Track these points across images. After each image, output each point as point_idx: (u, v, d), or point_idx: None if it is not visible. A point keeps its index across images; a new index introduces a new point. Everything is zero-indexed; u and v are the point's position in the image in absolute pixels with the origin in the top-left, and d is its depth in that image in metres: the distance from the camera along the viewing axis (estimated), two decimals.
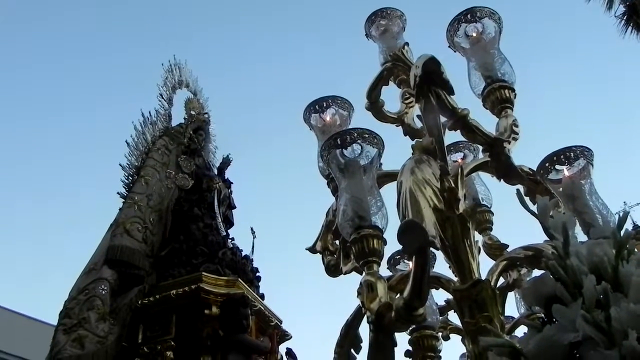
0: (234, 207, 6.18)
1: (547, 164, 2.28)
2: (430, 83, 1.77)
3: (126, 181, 5.76)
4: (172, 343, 4.30)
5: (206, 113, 7.03)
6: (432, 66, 1.74)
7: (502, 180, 2.04)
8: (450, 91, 1.76)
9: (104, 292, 4.57)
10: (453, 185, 1.82)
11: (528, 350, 1.30)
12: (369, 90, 2.61)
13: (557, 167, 2.31)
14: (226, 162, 6.58)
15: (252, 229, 5.78)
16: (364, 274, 1.75)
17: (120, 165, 5.75)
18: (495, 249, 2.76)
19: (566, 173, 2.30)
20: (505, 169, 1.77)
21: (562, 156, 2.24)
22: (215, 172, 6.47)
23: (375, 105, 2.63)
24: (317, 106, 2.57)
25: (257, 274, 5.37)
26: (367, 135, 2.12)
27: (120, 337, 4.37)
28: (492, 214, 3.02)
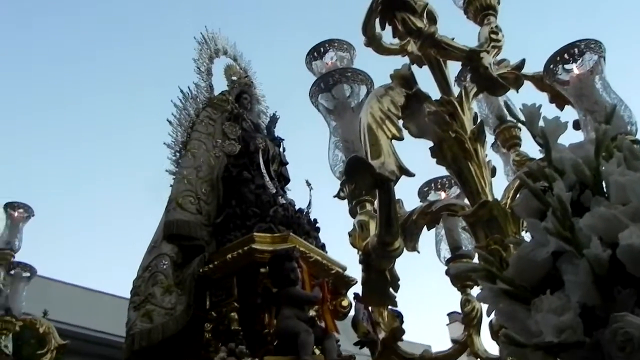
0: (287, 163, 6.20)
1: (551, 66, 2.13)
2: (393, 7, 1.67)
3: (174, 158, 5.90)
4: (236, 304, 4.45)
5: (247, 76, 6.98)
6: None
7: (485, 92, 1.92)
8: (413, 11, 1.66)
9: (165, 267, 4.76)
10: (443, 108, 1.74)
11: (507, 271, 1.24)
12: (363, 25, 2.50)
13: (566, 66, 2.16)
14: (273, 120, 6.55)
15: (307, 181, 5.79)
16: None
17: (165, 143, 5.89)
18: (523, 164, 2.64)
19: (576, 71, 2.14)
20: (486, 82, 1.66)
21: (565, 54, 2.09)
22: (265, 132, 6.47)
23: (373, 40, 2.52)
24: (315, 53, 2.51)
25: (316, 225, 5.43)
26: (349, 74, 2.06)
27: (189, 306, 4.55)
28: (519, 129, 2.87)
